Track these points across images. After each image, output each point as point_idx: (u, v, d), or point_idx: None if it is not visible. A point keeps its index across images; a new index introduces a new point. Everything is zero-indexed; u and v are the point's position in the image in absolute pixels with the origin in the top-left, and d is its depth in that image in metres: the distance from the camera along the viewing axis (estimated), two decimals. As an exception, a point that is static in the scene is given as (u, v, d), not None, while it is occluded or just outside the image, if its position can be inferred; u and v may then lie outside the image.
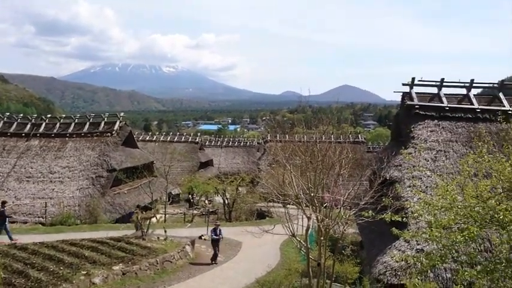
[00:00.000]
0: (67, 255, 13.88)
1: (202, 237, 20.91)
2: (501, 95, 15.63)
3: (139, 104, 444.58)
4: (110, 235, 17.26)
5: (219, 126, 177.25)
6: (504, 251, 7.34)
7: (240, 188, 32.95)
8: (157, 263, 14.80)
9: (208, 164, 54.89)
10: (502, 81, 16.68)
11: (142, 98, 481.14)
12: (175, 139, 53.61)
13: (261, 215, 30.61)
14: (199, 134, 61.59)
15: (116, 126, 28.70)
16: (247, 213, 31.75)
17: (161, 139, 53.41)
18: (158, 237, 17.46)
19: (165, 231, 18.05)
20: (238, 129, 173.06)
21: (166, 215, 28.88)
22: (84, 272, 12.54)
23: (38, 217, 23.18)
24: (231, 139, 68.41)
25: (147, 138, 53.66)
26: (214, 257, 17.08)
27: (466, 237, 7.11)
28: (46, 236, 17.64)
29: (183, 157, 43.92)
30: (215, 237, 17.11)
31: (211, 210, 31.94)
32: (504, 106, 14.95)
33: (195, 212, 31.98)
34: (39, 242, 15.34)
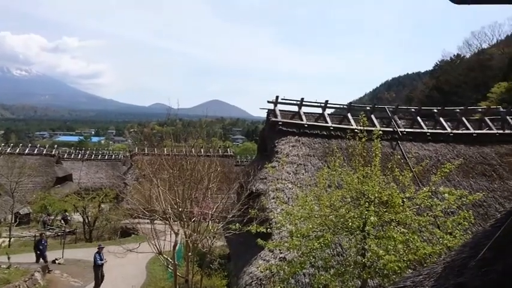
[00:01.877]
0: None
1: (57, 261, 18.68)
2: (349, 115, 17.72)
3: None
4: None
5: (81, 137, 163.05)
6: (352, 254, 8.21)
7: (102, 205, 30.59)
8: (-4, 297, 12.65)
9: (66, 179, 49.64)
10: (350, 103, 18.96)
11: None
12: (26, 151, 47.13)
13: (126, 233, 28.84)
14: (56, 145, 55.29)
15: None
16: (110, 231, 29.58)
17: (8, 151, 46.44)
18: (-1, 266, 14.98)
19: (9, 258, 15.57)
20: (103, 142, 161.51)
21: (12, 239, 25.10)
22: None
23: None
24: (94, 152, 63.36)
25: (-11, 151, 46.13)
26: (96, 285, 15.41)
27: (322, 244, 7.76)
28: None
29: (35, 172, 38.89)
30: (100, 262, 15.42)
31: (68, 230, 28.86)
32: (352, 125, 16.96)
33: (48, 233, 28.45)
34: None
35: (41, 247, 18.06)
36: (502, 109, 19.20)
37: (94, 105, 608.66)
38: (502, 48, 52.21)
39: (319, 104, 17.86)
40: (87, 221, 29.50)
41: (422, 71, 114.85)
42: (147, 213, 11.66)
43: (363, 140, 9.14)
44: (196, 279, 12.10)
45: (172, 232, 11.53)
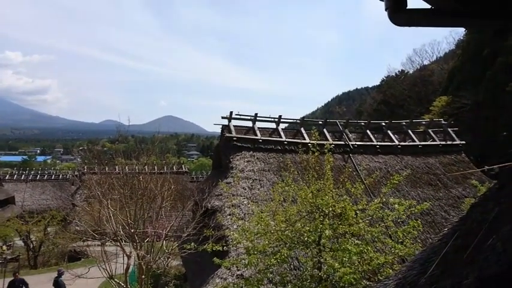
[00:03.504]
0: None
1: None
2: (302, 129, 18.05)
3: None
4: None
5: (24, 157, 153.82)
6: (309, 268, 8.23)
7: (49, 228, 28.87)
8: None
9: (8, 202, 46.37)
10: (303, 117, 19.36)
11: None
12: (-38, 173, 43.90)
13: (75, 257, 27.31)
14: (-4, 166, 51.78)
15: None
16: (57, 256, 27.89)
17: None
18: None
19: None
20: (49, 161, 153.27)
21: None
22: None
23: None
24: (40, 172, 59.92)
25: None
26: None
27: (279, 260, 7.73)
28: None
29: (-28, 195, 36.13)
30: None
31: (10, 257, 26.88)
32: (305, 139, 17.27)
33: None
34: None
35: None
36: (443, 122, 20.41)
37: (39, 123, 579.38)
38: (441, 64, 55.86)
39: (273, 119, 18.06)
40: (31, 247, 27.65)
41: (371, 86, 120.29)
42: (97, 235, 11.11)
43: (316, 153, 9.29)
44: (150, 303, 11.63)
45: (124, 254, 11.04)
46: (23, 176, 55.47)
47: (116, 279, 10.74)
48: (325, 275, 7.66)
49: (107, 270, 10.36)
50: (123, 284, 10.55)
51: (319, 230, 7.81)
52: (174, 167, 42.87)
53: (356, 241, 7.99)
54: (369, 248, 7.81)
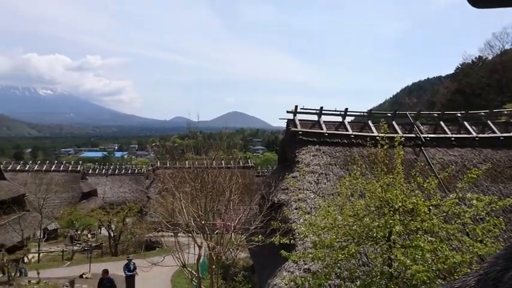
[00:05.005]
0: None
1: (84, 276, 18.95)
2: (370, 122, 17.52)
3: (9, 129, 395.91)
4: (-35, 284, 14.61)
5: (105, 153, 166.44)
6: (378, 264, 8.03)
7: (127, 219, 31.01)
8: (27, 312, 12.90)
9: (91, 194, 50.71)
10: (370, 110, 18.78)
11: (13, 123, 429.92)
12: (52, 168, 48.53)
13: (151, 246, 29.10)
14: (81, 162, 56.58)
15: (-23, 155, 24.91)
16: (135, 245, 29.90)
17: (35, 168, 47.87)
18: (29, 281, 15.32)
19: (38, 273, 15.92)
20: (126, 156, 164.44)
21: (41, 254, 25.66)
22: None
23: None
24: (118, 167, 64.49)
25: (18, 168, 47.56)
26: None
27: (347, 255, 7.62)
28: None
29: (61, 188, 39.82)
30: (129, 273, 15.56)
31: (94, 245, 29.32)
32: (373, 132, 16.75)
33: (75, 248, 29.00)
34: None
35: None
36: (529, 111, 18.63)
37: (116, 121, 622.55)
38: (526, 49, 50.89)
39: (339, 112, 17.74)
40: (112, 235, 29.91)
41: (443, 75, 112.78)
42: (170, 226, 11.74)
43: (385, 147, 8.99)
44: (220, 292, 12.08)
45: (195, 245, 11.56)
46: (104, 170, 60.11)
47: (188, 268, 11.30)
48: (396, 272, 7.43)
49: (180, 259, 10.94)
50: (195, 273, 11.07)
51: (389, 225, 7.57)
52: (241, 162, 43.78)
53: (429, 238, 7.63)
54: (444, 245, 7.42)
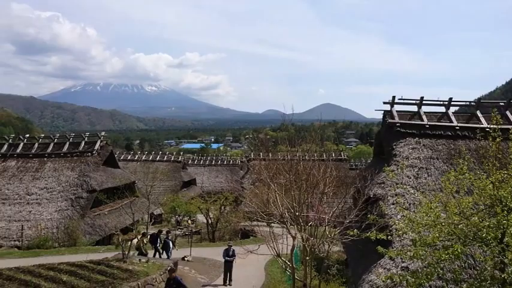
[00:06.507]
0: (44, 280, 13.30)
1: (186, 259, 20.44)
2: (478, 112, 16.01)
3: (120, 123, 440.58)
4: (89, 258, 16.70)
5: (202, 145, 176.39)
6: (488, 268, 7.36)
7: (223, 207, 32.61)
8: (138, 287, 14.34)
9: (191, 183, 54.30)
10: (479, 99, 17.12)
11: (124, 117, 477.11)
12: (157, 158, 52.99)
13: (245, 235, 30.26)
14: (182, 152, 60.72)
15: (97, 146, 28.22)
16: (230, 232, 31.35)
17: (143, 158, 52.72)
18: (140, 260, 16.99)
19: (147, 253, 17.59)
20: (221, 148, 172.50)
21: (148, 236, 28.25)
22: (62, 298, 12.05)
23: (14, 240, 22.31)
24: (214, 158, 68.02)
25: (128, 158, 52.88)
26: (225, 279, 16.74)
27: (451, 255, 7.12)
28: (22, 261, 16.95)
29: (165, 176, 43.31)
30: (228, 258, 16.66)
31: (194, 230, 31.40)
32: (482, 124, 15.28)
33: (177, 232, 31.38)
34: (14, 267, 14.68)
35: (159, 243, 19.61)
36: None
37: (213, 115, 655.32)
38: None
39: (442, 102, 16.50)
40: (210, 222, 31.71)
41: None
42: (264, 216, 12.10)
43: (497, 140, 8.15)
44: (314, 284, 12.14)
45: (289, 235, 11.76)
46: (202, 161, 63.87)
47: (282, 258, 11.56)
48: (510, 278, 6.75)
49: (274, 248, 11.24)
50: (289, 263, 11.29)
51: (502, 226, 6.88)
52: (333, 154, 43.11)
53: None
54: None
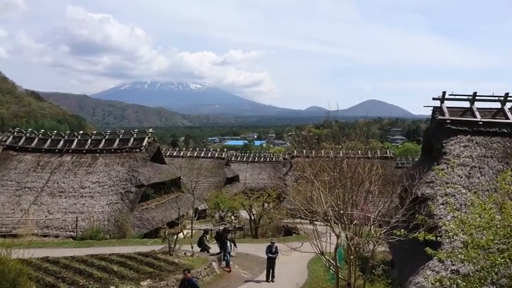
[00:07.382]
0: (96, 269, 14.07)
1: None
2: (538, 108, 15.03)
3: (167, 120, 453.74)
4: (138, 250, 17.41)
5: (245, 141, 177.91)
6: (549, 274, 6.93)
7: (266, 204, 32.73)
8: (184, 279, 14.77)
9: (234, 179, 54.97)
10: (540, 94, 16.03)
11: (170, 114, 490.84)
12: (201, 155, 54.09)
13: (288, 232, 30.21)
14: (225, 149, 61.59)
15: (145, 142, 29.27)
16: (273, 229, 31.41)
17: (188, 155, 53.98)
18: (185, 253, 17.48)
19: (192, 247, 18.05)
20: (264, 145, 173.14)
21: (193, 231, 28.95)
22: (113, 287, 12.66)
23: (69, 231, 23.69)
24: (257, 154, 68.37)
25: (174, 154, 54.35)
26: (268, 275, 16.89)
27: (507, 259, 6.76)
28: (76, 250, 17.99)
29: (209, 173, 44.13)
30: (271, 255, 16.80)
31: (237, 226, 31.79)
32: (544, 120, 14.34)
33: (221, 228, 31.90)
34: (70, 256, 15.64)
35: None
36: None
37: (256, 112, 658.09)
38: None
39: (497, 98, 15.63)
40: (252, 219, 31.96)
41: None
42: (308, 214, 12.04)
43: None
44: (358, 284, 11.93)
45: (332, 234, 11.63)
46: (244, 158, 64.44)
47: (326, 256, 11.46)
48: None
49: (317, 246, 11.16)
50: (332, 261, 11.18)
51: None
52: (378, 152, 41.99)
53: None
54: None
